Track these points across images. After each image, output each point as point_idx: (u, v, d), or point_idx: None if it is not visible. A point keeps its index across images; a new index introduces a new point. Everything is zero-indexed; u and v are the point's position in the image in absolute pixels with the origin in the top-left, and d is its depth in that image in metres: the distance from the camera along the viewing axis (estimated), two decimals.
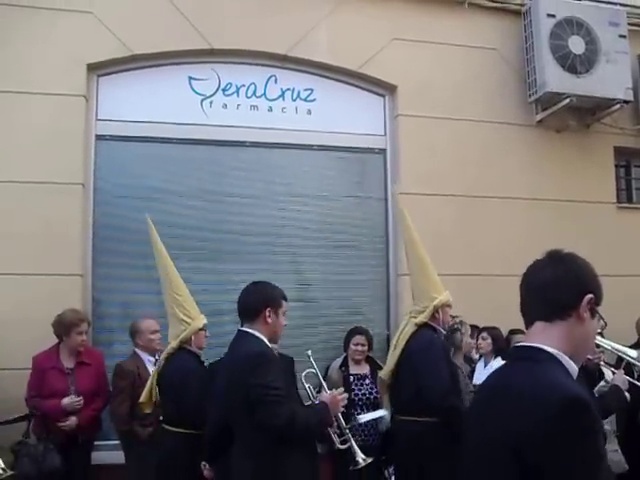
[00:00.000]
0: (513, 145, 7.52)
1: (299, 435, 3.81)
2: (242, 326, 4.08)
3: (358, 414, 5.92)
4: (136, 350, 5.94)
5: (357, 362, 6.42)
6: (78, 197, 6.46)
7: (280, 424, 3.66)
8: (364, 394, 6.22)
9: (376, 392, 6.28)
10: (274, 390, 3.70)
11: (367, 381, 6.35)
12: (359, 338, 6.44)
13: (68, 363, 5.76)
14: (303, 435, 3.87)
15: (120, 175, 6.82)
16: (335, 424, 4.45)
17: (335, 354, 6.59)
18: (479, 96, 7.46)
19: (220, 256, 6.81)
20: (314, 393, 4.70)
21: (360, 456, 4.56)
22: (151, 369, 5.86)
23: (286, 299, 4.16)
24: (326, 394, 4.34)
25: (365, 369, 6.45)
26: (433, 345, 5.13)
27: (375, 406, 6.22)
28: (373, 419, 5.91)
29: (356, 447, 4.59)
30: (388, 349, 7.08)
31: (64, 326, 5.74)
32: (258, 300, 4.03)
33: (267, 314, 3.97)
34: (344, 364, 6.41)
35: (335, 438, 4.54)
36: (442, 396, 4.84)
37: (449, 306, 5.40)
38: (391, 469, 5.80)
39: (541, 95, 7.36)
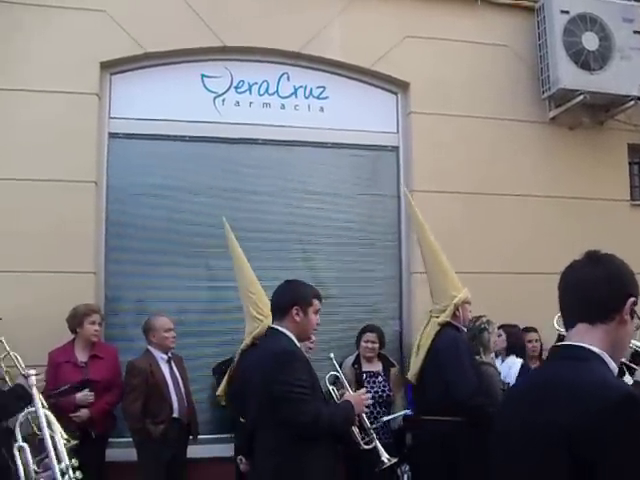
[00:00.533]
0: (526, 142, 7.48)
1: (323, 433, 3.83)
2: (273, 323, 4.13)
3: (375, 413, 5.94)
4: (149, 348, 5.96)
5: (369, 359, 6.42)
6: (91, 195, 6.48)
7: (305, 421, 3.68)
8: (376, 392, 6.20)
9: (389, 390, 6.29)
10: (299, 388, 3.72)
11: (380, 378, 6.35)
12: (369, 335, 6.44)
13: (82, 357, 5.81)
14: (327, 433, 3.88)
15: (133, 173, 6.84)
16: (358, 424, 4.46)
17: (349, 352, 6.59)
18: (492, 93, 7.43)
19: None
20: (337, 394, 4.70)
21: (385, 456, 4.57)
22: (164, 367, 5.91)
23: (319, 298, 4.16)
24: (350, 394, 4.35)
25: (378, 366, 6.45)
26: (458, 344, 5.17)
27: (388, 404, 6.24)
28: (397, 416, 5.92)
29: (381, 447, 4.60)
30: (401, 346, 7.13)
31: (78, 317, 5.84)
32: (287, 298, 4.07)
33: (295, 312, 4.00)
34: (356, 362, 6.41)
35: (358, 438, 4.55)
36: (468, 394, 4.87)
37: (468, 303, 5.43)
38: (404, 467, 5.81)
39: (554, 92, 7.30)
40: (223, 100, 7.03)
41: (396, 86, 7.41)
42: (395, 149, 7.40)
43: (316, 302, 4.12)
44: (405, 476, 5.67)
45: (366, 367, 6.40)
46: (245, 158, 7.07)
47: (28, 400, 4.45)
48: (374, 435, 4.67)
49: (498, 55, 7.50)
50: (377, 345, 6.43)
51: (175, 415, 5.78)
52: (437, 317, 5.34)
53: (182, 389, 5.94)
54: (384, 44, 7.23)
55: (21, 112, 6.35)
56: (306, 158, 7.21)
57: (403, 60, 7.25)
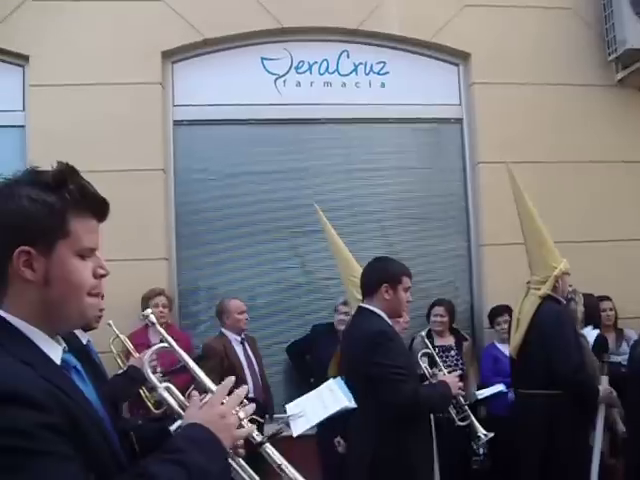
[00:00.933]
0: (593, 106, 7.24)
1: (421, 413, 3.84)
2: (363, 302, 4.13)
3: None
4: (223, 330, 6.07)
5: (439, 333, 6.41)
6: (160, 183, 6.61)
7: (404, 402, 3.67)
8: (449, 365, 6.17)
9: (462, 363, 6.27)
10: (396, 369, 3.70)
11: (452, 352, 6.34)
12: (438, 309, 6.44)
13: (155, 339, 5.90)
14: (425, 413, 3.90)
15: (199, 159, 6.96)
16: (454, 402, 4.45)
17: (422, 327, 6.57)
18: (556, 58, 7.21)
19: (300, 233, 6.88)
20: (430, 372, 4.70)
21: (482, 432, 4.54)
22: (238, 348, 6.01)
23: (409, 275, 4.11)
24: (446, 375, 4.33)
25: (450, 340, 6.44)
26: (561, 317, 5.07)
27: (461, 378, 6.20)
28: (491, 394, 5.90)
29: (477, 423, 4.57)
30: (472, 319, 7.09)
31: (144, 302, 6.04)
32: (376, 276, 4.05)
33: (384, 290, 3.97)
34: (428, 336, 6.39)
35: (453, 415, 4.54)
36: (573, 369, 4.81)
37: (568, 274, 5.29)
38: (479, 441, 5.77)
39: (621, 53, 7.01)
40: (284, 81, 7.06)
41: (457, 57, 7.29)
42: (459, 121, 7.30)
43: (406, 280, 4.06)
44: (481, 450, 5.65)
45: (438, 341, 6.38)
46: (308, 138, 7.10)
47: (142, 382, 4.56)
48: (469, 412, 4.63)
49: (561, 19, 7.27)
50: (446, 319, 6.41)
51: (251, 395, 5.87)
52: (537, 289, 5.19)
53: (256, 369, 6.03)
54: (443, 15, 7.10)
55: (88, 106, 6.50)
56: (369, 135, 7.19)
57: (463, 30, 7.11)
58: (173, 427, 1.89)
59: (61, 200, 1.61)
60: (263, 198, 6.91)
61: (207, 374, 5.55)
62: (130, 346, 5.12)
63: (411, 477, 3.75)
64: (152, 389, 4.84)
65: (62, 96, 6.47)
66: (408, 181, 7.18)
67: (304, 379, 6.21)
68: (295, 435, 2.80)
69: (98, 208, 1.72)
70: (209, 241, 6.82)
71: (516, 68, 7.12)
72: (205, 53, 6.98)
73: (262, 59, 7.04)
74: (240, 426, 1.78)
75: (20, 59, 6.64)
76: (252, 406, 1.89)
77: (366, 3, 7.00)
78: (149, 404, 4.96)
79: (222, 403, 1.79)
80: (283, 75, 7.06)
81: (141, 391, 4.84)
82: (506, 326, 6.33)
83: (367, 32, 7.09)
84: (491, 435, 4.54)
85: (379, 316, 3.96)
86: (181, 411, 1.89)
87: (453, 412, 4.56)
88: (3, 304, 1.58)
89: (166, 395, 1.95)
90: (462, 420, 4.58)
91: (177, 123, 6.91)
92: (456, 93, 7.34)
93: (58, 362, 1.61)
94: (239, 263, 6.82)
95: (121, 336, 5.20)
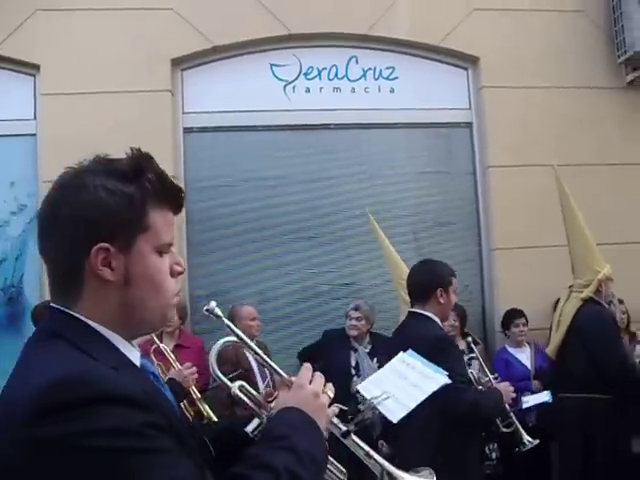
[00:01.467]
0: (603, 109, 7.20)
1: (479, 422, 3.81)
2: (412, 307, 4.04)
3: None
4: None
5: None
6: None
7: (465, 411, 3.58)
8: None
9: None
10: (458, 376, 3.56)
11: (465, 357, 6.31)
12: None
13: (168, 346, 5.91)
14: (482, 422, 3.87)
15: (209, 165, 6.98)
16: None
17: None
18: (565, 61, 7.18)
19: (314, 239, 6.88)
20: (476, 377, 4.67)
21: (526, 438, 4.50)
22: (249, 354, 6.00)
23: (454, 275, 4.05)
24: (499, 384, 4.28)
25: (461, 345, 6.38)
26: (604, 320, 5.05)
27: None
28: (537, 404, 5.89)
29: (522, 429, 4.54)
30: (484, 323, 7.06)
31: None
32: (428, 280, 3.96)
33: (439, 294, 3.89)
34: None
35: (498, 422, 4.53)
36: (621, 370, 4.80)
37: (611, 279, 5.27)
38: (493, 445, 5.75)
39: (631, 55, 6.99)
40: (293, 87, 7.07)
41: (466, 61, 7.27)
42: (469, 125, 7.29)
43: (454, 280, 4.00)
44: (494, 455, 5.65)
45: None
46: (318, 144, 7.11)
47: (183, 396, 4.48)
48: (514, 418, 4.59)
49: (570, 21, 7.24)
50: (457, 324, 6.37)
51: None
52: (580, 292, 5.19)
53: (268, 376, 6.02)
54: (452, 19, 7.10)
55: (97, 113, 6.52)
56: (379, 140, 7.19)
57: (472, 34, 7.10)
58: (249, 428, 1.80)
59: (140, 190, 1.47)
60: (274, 204, 6.92)
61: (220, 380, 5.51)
62: (171, 357, 4.96)
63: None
64: (192, 403, 4.81)
65: (72, 104, 6.51)
66: (418, 186, 7.16)
67: None
68: (396, 421, 2.73)
69: (176, 199, 1.58)
70: (220, 247, 6.83)
71: (525, 71, 7.10)
72: (214, 60, 7.00)
73: (271, 65, 7.06)
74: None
75: (31, 68, 6.69)
76: (330, 385, 1.81)
77: (374, 9, 7.01)
78: (189, 417, 4.92)
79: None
80: (292, 81, 7.07)
81: (181, 404, 4.77)
82: (525, 329, 6.36)
83: (376, 37, 7.10)
84: (536, 442, 4.52)
85: (433, 321, 3.88)
86: (256, 409, 1.83)
87: (498, 419, 4.54)
88: (76, 306, 1.44)
89: (240, 395, 1.90)
90: (506, 427, 4.56)
91: (187, 130, 6.93)
92: (465, 97, 7.33)
93: (139, 366, 1.52)
94: (250, 269, 6.83)
95: (161, 346, 5.06)
